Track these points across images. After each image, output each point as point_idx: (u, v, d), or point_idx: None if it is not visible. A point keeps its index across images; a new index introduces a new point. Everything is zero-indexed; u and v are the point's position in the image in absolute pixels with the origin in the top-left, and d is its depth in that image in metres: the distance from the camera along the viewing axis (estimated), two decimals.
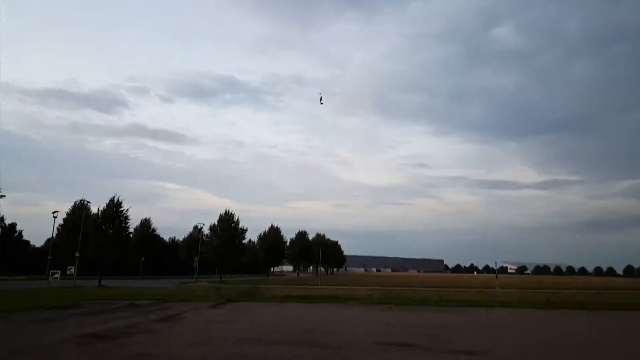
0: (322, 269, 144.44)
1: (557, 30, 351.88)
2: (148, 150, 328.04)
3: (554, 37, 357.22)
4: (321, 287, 47.38)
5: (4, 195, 55.03)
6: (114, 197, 57.17)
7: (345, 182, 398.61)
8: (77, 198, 73.67)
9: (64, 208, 73.33)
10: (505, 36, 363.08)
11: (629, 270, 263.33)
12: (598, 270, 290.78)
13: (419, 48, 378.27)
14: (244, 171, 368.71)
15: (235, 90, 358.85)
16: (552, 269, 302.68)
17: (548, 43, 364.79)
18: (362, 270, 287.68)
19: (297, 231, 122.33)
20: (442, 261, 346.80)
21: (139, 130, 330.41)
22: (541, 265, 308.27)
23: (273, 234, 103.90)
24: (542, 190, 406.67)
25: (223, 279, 73.96)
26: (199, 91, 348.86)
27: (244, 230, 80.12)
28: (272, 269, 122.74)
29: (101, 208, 57.74)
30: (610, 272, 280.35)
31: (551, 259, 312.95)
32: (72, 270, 53.25)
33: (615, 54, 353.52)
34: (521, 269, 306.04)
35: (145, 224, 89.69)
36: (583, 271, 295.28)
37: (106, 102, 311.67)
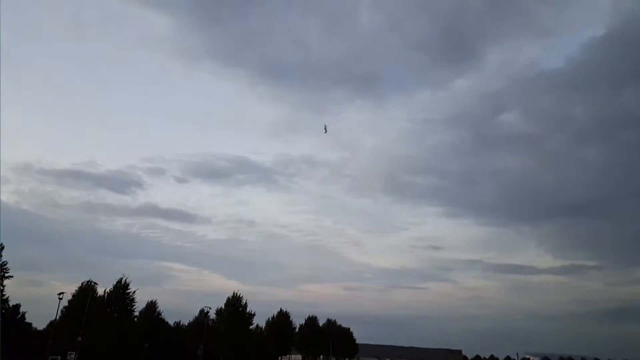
0: (333, 359, 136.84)
1: (564, 116, 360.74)
2: (159, 230, 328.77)
3: (561, 122, 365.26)
4: None
5: (12, 276, 54.76)
6: (121, 279, 56.38)
7: (357, 264, 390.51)
8: (85, 278, 72.65)
9: (71, 289, 72.04)
10: (512, 121, 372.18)
11: None
12: None
13: (428, 132, 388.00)
14: (254, 251, 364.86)
15: (249, 170, 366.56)
16: None
17: (556, 128, 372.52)
18: None
19: (306, 316, 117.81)
20: (460, 351, 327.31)
21: (152, 210, 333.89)
22: (565, 357, 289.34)
23: (281, 320, 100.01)
24: (560, 276, 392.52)
25: None
26: (213, 172, 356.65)
27: (251, 315, 77.55)
28: (280, 358, 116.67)
29: (108, 289, 56.68)
30: None
31: (575, 350, 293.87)
32: (73, 356, 51.09)
33: (624, 139, 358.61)
34: None
35: (151, 306, 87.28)
36: None
37: (121, 182, 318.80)
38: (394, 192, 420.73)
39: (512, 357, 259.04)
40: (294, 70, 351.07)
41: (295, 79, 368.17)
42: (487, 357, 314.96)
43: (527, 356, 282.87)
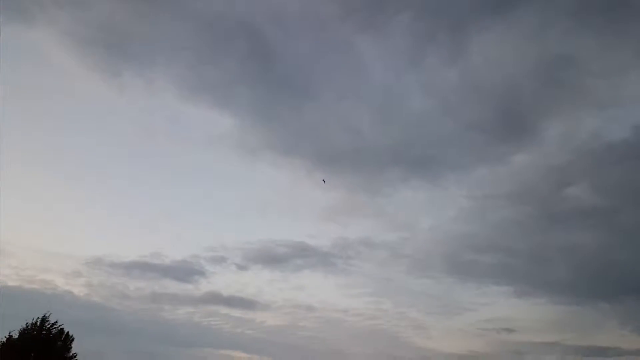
0: None
1: (636, 187, 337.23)
2: (220, 318, 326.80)
3: (634, 194, 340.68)
4: None
5: None
6: None
7: (421, 349, 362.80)
8: None
9: None
10: (580, 195, 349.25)
11: None
12: None
13: (490, 209, 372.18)
14: (313, 338, 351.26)
15: (307, 255, 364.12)
16: None
17: (629, 200, 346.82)
18: None
19: None
20: None
21: (213, 298, 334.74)
22: None
23: None
24: None
25: None
26: (272, 258, 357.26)
27: None
28: None
29: None
30: None
31: None
32: None
33: None
34: None
35: None
36: None
37: (185, 272, 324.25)
38: (457, 272, 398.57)
39: None
40: (347, 156, 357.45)
41: (350, 164, 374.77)
42: None
43: None
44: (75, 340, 56.18)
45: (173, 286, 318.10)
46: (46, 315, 54.52)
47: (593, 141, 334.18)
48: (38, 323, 53.56)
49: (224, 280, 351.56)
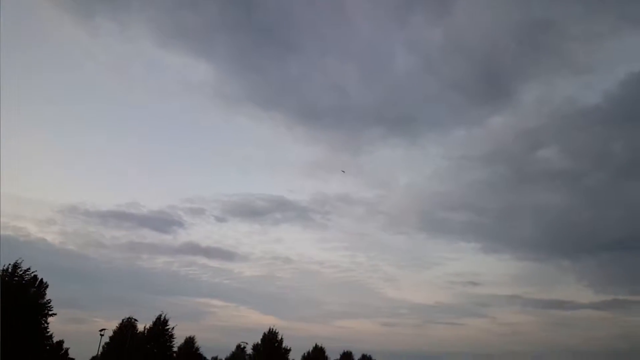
0: None
1: (603, 152, 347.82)
2: (198, 268, 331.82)
3: (600, 158, 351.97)
4: None
5: (55, 314, 56.28)
6: (160, 315, 57.08)
7: (392, 300, 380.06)
8: (126, 315, 73.90)
9: (112, 325, 73.19)
10: (550, 158, 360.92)
11: None
12: None
13: (464, 169, 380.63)
14: (290, 287, 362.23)
15: (285, 209, 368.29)
16: None
17: (595, 164, 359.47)
18: None
19: (342, 351, 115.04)
20: None
21: (192, 249, 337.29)
22: None
23: (317, 355, 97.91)
24: (601, 311, 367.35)
25: None
26: (251, 211, 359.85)
27: (287, 351, 76.70)
28: None
29: (147, 326, 57.41)
30: None
31: None
32: None
33: None
34: None
35: (189, 342, 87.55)
36: None
37: (163, 222, 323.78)
38: (430, 229, 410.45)
39: None
40: (330, 112, 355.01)
41: (332, 121, 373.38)
42: None
43: None
44: (50, 287, 55.86)
45: (151, 236, 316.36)
46: (18, 261, 53.62)
47: (567, 106, 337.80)
48: (10, 269, 52.72)
49: (202, 232, 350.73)
